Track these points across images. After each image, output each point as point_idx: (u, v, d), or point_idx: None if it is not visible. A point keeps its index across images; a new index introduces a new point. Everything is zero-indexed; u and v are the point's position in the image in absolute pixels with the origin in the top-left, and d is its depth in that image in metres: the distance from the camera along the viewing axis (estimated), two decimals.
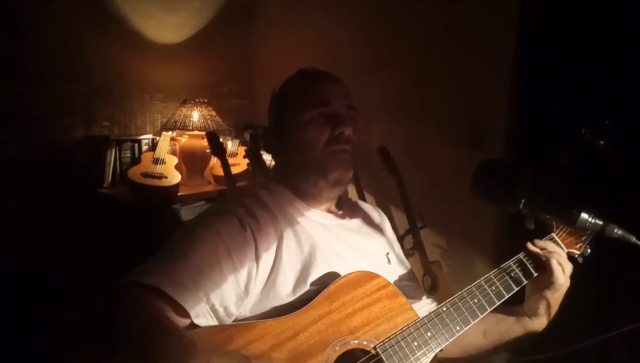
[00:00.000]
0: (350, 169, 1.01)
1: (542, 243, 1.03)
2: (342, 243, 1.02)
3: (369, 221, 1.15)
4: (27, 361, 2.04)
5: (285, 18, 2.90)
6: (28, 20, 2.23)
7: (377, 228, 1.16)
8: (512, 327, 1.05)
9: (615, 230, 0.91)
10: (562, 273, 0.99)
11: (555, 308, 1.03)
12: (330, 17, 2.62)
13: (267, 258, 0.90)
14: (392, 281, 1.05)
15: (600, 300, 1.74)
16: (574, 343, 0.94)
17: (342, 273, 0.93)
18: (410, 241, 2.21)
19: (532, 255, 1.03)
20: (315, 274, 0.92)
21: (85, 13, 2.39)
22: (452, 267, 2.29)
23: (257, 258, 0.88)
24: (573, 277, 1.03)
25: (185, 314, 0.78)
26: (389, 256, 1.11)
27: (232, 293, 0.85)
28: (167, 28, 2.70)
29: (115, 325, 0.74)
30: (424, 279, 2.17)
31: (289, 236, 0.94)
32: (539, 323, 1.04)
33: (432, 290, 2.14)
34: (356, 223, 1.11)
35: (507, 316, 1.06)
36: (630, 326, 0.90)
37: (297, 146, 0.99)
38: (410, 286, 1.12)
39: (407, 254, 2.19)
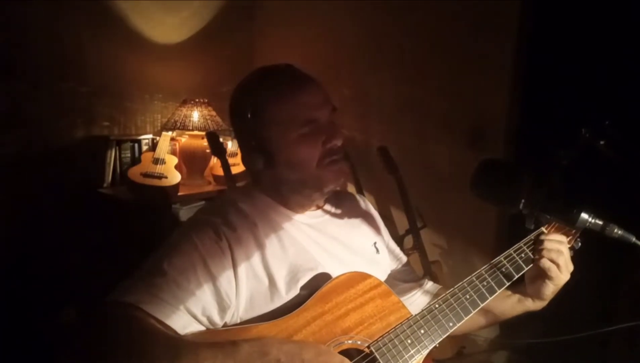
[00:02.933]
0: (346, 175, 1.00)
1: (546, 242, 1.01)
2: (331, 240, 1.02)
3: (354, 211, 1.15)
4: (27, 361, 2.03)
5: (285, 18, 2.90)
6: (27, 20, 2.22)
7: (363, 217, 1.15)
8: (514, 307, 1.08)
9: (615, 230, 0.91)
10: (557, 269, 1.00)
11: (557, 290, 1.04)
12: (330, 17, 2.62)
13: (249, 265, 0.89)
14: (383, 270, 1.08)
15: (600, 300, 1.74)
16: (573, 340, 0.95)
17: (333, 270, 0.94)
18: (410, 241, 2.21)
19: (522, 250, 1.03)
20: (305, 278, 0.92)
21: (85, 13, 2.39)
22: (452, 267, 2.29)
23: (234, 267, 0.88)
24: (574, 276, 1.03)
25: (172, 330, 0.80)
26: (377, 245, 1.11)
27: (213, 302, 0.85)
28: (167, 28, 2.70)
29: (104, 342, 0.75)
30: None
31: (272, 242, 0.94)
32: (541, 304, 1.06)
33: None
34: (343, 215, 1.10)
35: (508, 298, 1.08)
36: (629, 323, 0.91)
37: (289, 165, 0.95)
38: (404, 270, 1.15)
39: (407, 254, 2.19)
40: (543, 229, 1.07)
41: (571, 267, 1.01)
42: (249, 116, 0.96)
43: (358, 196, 1.22)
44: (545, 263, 0.99)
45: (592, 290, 1.72)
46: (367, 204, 1.20)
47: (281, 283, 0.90)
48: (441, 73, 2.24)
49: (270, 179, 1.00)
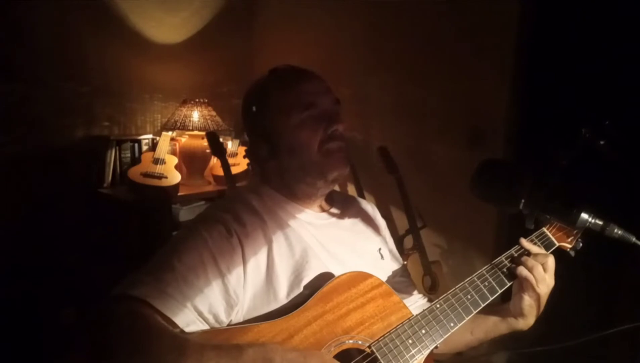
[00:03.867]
0: (348, 165, 1.00)
1: (525, 257, 1.00)
2: (335, 243, 1.02)
3: (361, 216, 1.15)
4: (27, 361, 2.04)
5: (285, 18, 2.90)
6: (28, 20, 2.22)
7: (370, 223, 1.15)
8: (498, 325, 1.05)
9: (615, 230, 0.91)
10: (534, 282, 0.97)
11: (540, 308, 1.01)
12: (330, 17, 2.63)
13: (256, 263, 0.90)
14: (385, 277, 1.06)
15: (601, 300, 1.74)
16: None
17: (337, 273, 0.93)
18: (410, 241, 2.21)
19: (523, 250, 1.02)
20: (308, 277, 0.92)
21: (85, 13, 2.39)
22: (452, 267, 2.29)
23: (244, 263, 0.88)
24: (574, 276, 1.03)
25: (177, 326, 0.80)
26: (381, 251, 1.11)
27: (221, 299, 0.85)
28: (167, 28, 2.70)
29: (109, 337, 0.75)
30: (424, 279, 2.17)
31: (279, 240, 0.94)
32: (525, 322, 1.02)
33: (432, 290, 2.14)
34: (349, 219, 1.10)
35: (493, 315, 1.05)
36: (629, 325, 0.90)
37: (292, 152, 0.97)
38: (403, 282, 1.13)
39: (407, 254, 2.20)
40: (544, 229, 1.07)
41: (551, 282, 0.99)
42: (254, 107, 1.02)
43: (366, 202, 1.21)
44: (522, 271, 0.97)
45: (592, 290, 1.73)
46: (374, 210, 1.20)
47: (284, 283, 0.90)
48: (441, 73, 2.24)
49: (276, 169, 1.01)
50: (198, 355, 0.72)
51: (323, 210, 1.07)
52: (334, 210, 1.09)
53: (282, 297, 0.89)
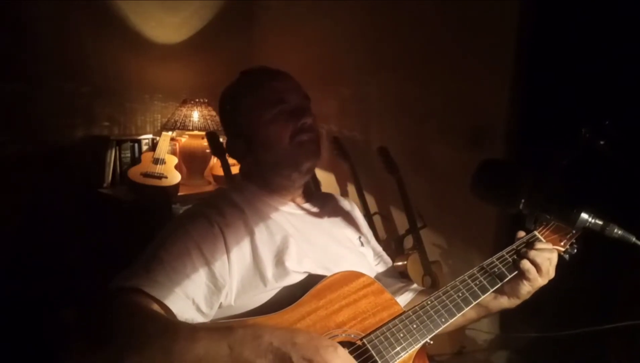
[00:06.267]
0: (319, 155, 1.07)
1: (531, 246, 1.02)
2: (315, 230, 1.08)
3: (339, 210, 1.21)
4: (27, 361, 2.04)
5: (285, 18, 2.90)
6: (28, 20, 2.22)
7: (348, 216, 1.21)
8: (489, 304, 1.07)
9: (615, 230, 0.91)
10: (537, 272, 0.99)
11: (532, 292, 1.04)
12: (330, 17, 2.62)
13: (240, 251, 0.96)
14: (368, 263, 1.13)
15: (600, 300, 1.74)
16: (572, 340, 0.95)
17: (318, 257, 1.00)
18: (410, 241, 2.21)
19: (514, 252, 1.04)
20: (290, 259, 0.97)
21: (86, 13, 2.39)
22: (452, 267, 2.29)
23: (227, 251, 0.94)
24: (574, 277, 1.03)
25: (171, 313, 0.85)
26: (361, 239, 1.17)
27: (209, 283, 0.91)
28: (167, 28, 2.70)
29: (106, 325, 0.80)
30: (424, 279, 2.17)
31: (260, 229, 1.00)
32: (515, 302, 1.06)
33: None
34: (327, 212, 1.17)
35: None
36: (628, 322, 0.91)
37: (265, 147, 1.04)
38: (389, 269, 1.19)
39: (407, 254, 2.20)
40: (536, 233, 1.07)
41: (552, 274, 1.01)
42: (228, 107, 1.10)
43: (343, 199, 1.28)
44: (525, 264, 0.99)
45: (591, 289, 1.73)
46: (352, 205, 1.27)
47: (269, 265, 0.96)
48: (441, 73, 2.24)
49: (253, 165, 1.09)
50: (190, 335, 0.77)
51: (299, 205, 1.12)
52: (309, 205, 1.14)
53: (270, 278, 0.95)
